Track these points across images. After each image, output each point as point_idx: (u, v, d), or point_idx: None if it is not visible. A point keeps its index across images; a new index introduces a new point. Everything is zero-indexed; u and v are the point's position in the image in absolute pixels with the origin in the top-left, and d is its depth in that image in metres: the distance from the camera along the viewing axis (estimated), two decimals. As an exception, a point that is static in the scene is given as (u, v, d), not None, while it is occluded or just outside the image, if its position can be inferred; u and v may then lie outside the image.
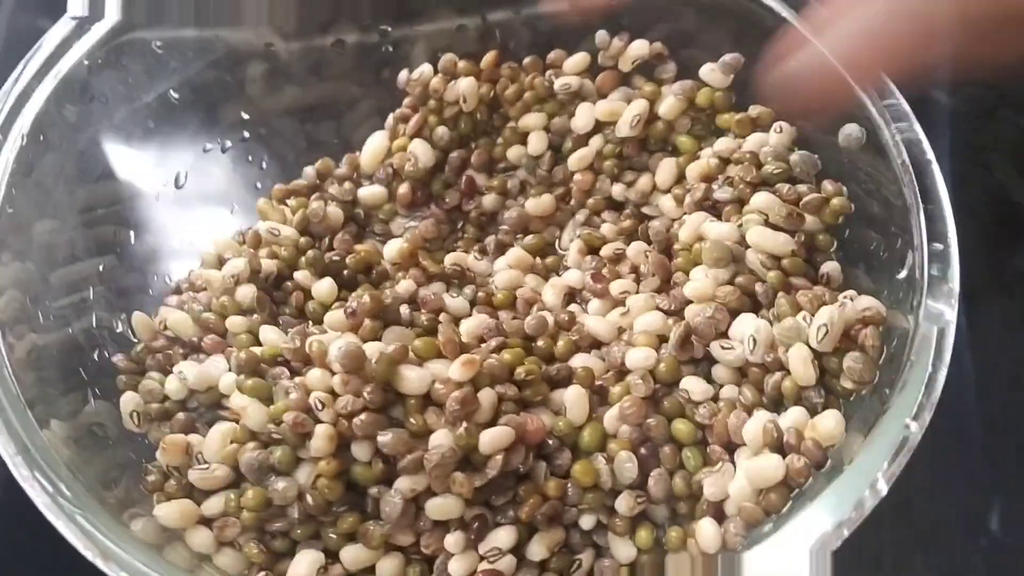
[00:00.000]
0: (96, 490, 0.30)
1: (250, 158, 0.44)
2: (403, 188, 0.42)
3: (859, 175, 0.36)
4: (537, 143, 0.42)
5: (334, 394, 0.32)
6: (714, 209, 0.38)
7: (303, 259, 0.39)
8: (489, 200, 0.43)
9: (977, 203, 0.49)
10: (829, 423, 0.31)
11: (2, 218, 0.33)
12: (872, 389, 0.32)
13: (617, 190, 0.42)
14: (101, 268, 0.38)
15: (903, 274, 0.32)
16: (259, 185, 0.44)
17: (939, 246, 0.31)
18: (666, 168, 0.41)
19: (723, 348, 0.34)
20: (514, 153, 0.43)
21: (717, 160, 0.39)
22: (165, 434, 0.34)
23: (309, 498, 0.31)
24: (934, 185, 0.32)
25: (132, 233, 0.40)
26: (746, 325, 0.34)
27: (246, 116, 0.44)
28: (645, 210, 0.41)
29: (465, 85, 0.41)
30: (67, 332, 0.36)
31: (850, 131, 0.35)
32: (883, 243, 0.34)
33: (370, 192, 0.43)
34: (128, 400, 0.35)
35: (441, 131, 0.42)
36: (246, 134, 0.44)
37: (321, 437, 0.31)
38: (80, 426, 0.33)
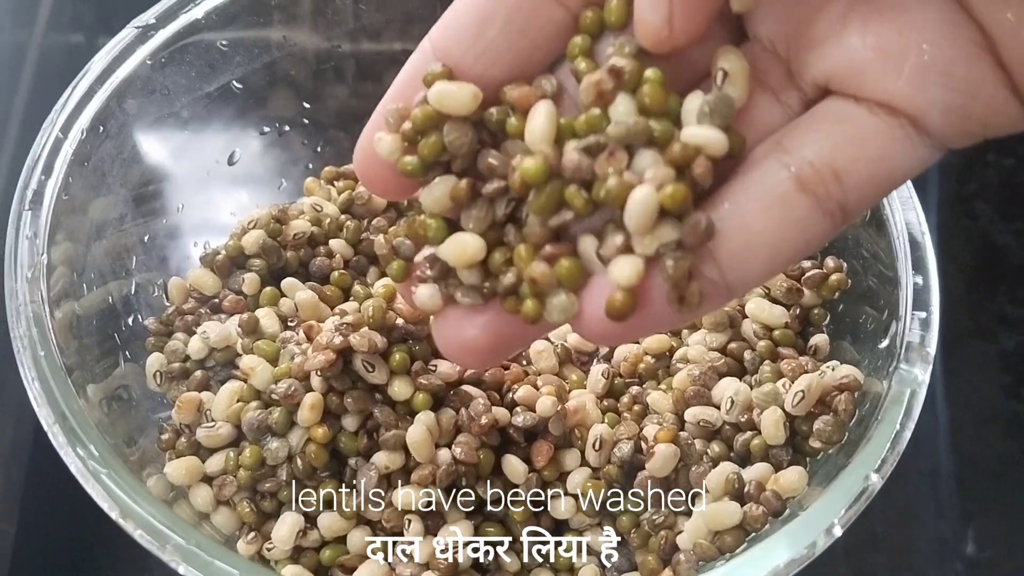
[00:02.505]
0: (120, 449, 0.33)
1: (305, 142, 0.47)
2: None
3: (859, 251, 0.37)
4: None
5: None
6: None
7: (344, 229, 0.42)
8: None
9: (961, 249, 0.51)
10: (792, 476, 0.33)
11: (59, 205, 0.36)
12: (839, 448, 0.33)
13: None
14: (146, 238, 0.41)
15: (885, 343, 0.34)
16: (311, 166, 0.47)
17: (923, 314, 0.33)
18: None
19: (701, 424, 0.35)
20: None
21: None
22: (182, 392, 0.37)
23: (298, 461, 0.34)
24: (924, 258, 0.34)
25: (181, 205, 0.43)
26: (727, 387, 0.36)
27: (307, 105, 0.46)
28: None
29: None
30: (108, 300, 0.38)
31: None
32: (872, 316, 0.36)
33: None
34: (153, 361, 0.38)
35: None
36: (305, 121, 0.46)
37: (306, 407, 0.33)
38: (110, 389, 0.36)
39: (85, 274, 0.37)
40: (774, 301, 0.38)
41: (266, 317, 0.38)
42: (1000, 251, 0.52)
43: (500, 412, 0.35)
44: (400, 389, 0.34)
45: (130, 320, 0.39)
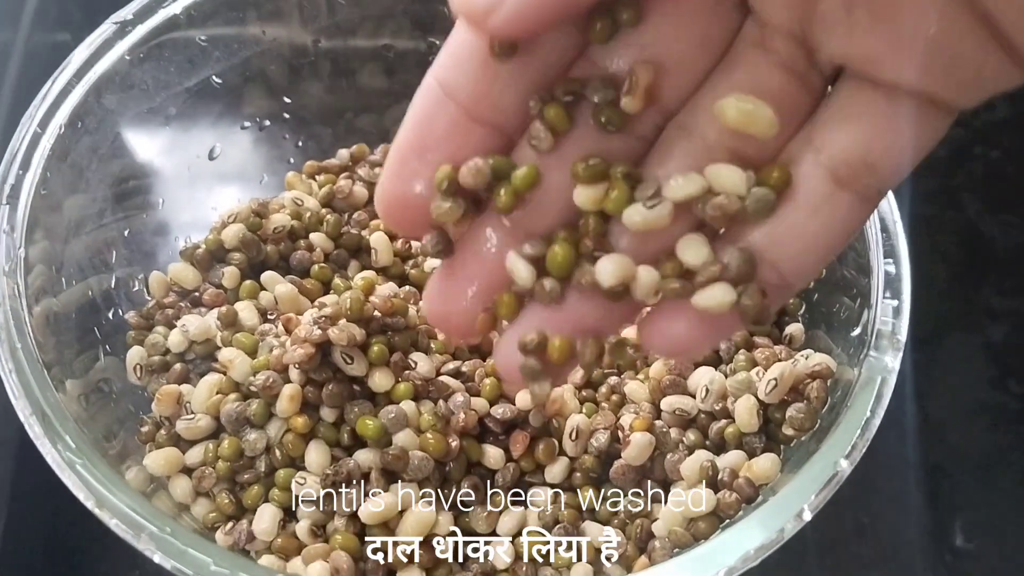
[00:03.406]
0: (99, 443, 0.33)
1: (286, 136, 0.47)
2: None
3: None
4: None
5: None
6: None
7: (324, 223, 0.42)
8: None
9: (947, 242, 0.51)
10: (765, 464, 0.33)
11: (36, 200, 0.36)
12: (812, 435, 0.33)
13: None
14: (127, 233, 0.41)
15: (857, 331, 0.34)
16: (292, 161, 0.47)
17: (894, 302, 0.33)
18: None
19: (677, 412, 0.36)
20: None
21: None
22: (163, 385, 0.37)
23: (276, 451, 0.34)
24: (896, 246, 0.34)
25: (162, 200, 0.43)
26: (702, 376, 0.36)
27: (288, 100, 0.46)
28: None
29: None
30: (88, 295, 0.39)
31: None
32: (846, 305, 0.36)
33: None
34: (134, 354, 0.38)
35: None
36: (286, 116, 0.46)
37: (285, 398, 0.34)
38: (90, 383, 0.36)
39: (64, 269, 0.37)
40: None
41: (245, 310, 0.39)
42: (987, 243, 0.52)
43: (479, 403, 0.36)
44: (380, 380, 0.35)
45: (110, 314, 0.39)
